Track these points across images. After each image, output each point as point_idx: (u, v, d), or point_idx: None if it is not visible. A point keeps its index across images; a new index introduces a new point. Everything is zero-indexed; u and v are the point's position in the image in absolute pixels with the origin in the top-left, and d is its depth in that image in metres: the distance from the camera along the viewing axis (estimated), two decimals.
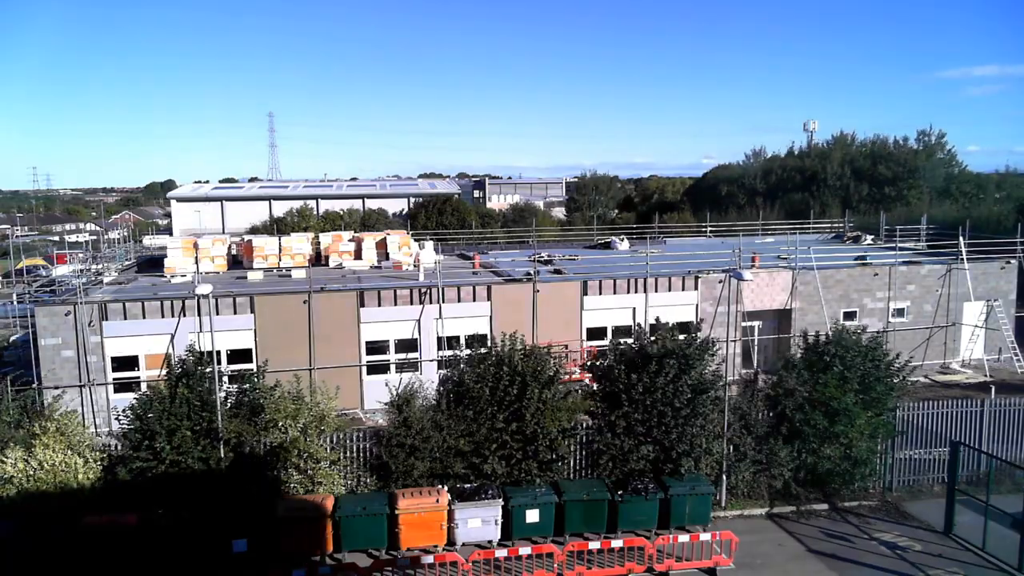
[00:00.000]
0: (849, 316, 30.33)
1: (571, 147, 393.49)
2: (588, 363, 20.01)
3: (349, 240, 35.76)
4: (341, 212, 56.36)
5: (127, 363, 25.35)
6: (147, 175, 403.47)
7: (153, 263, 36.68)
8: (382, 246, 35.29)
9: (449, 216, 52.62)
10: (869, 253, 34.51)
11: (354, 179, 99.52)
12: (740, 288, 28.59)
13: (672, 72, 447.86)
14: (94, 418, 24.18)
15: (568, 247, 43.23)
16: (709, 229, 48.76)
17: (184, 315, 25.25)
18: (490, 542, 17.13)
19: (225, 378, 20.25)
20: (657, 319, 20.10)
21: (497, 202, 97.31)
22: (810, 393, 19.25)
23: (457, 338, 26.68)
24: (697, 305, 29.20)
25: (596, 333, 28.41)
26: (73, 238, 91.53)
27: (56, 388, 23.65)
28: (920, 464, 20.45)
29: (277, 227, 50.12)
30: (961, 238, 31.60)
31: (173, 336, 25.18)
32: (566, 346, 26.48)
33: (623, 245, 41.59)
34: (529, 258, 32.30)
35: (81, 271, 36.28)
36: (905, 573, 16.36)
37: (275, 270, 33.01)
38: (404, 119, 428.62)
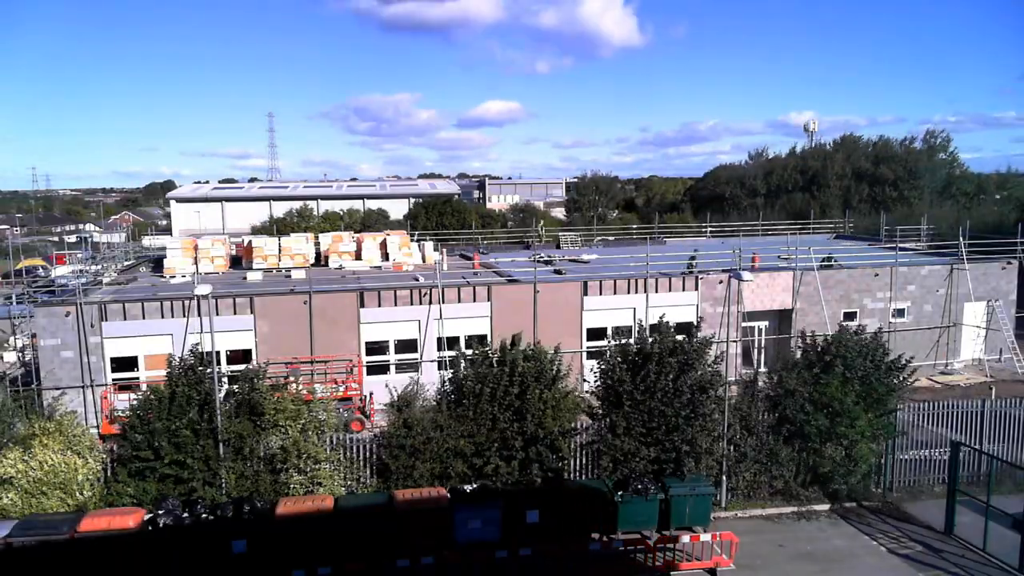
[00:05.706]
0: (850, 316, 30.31)
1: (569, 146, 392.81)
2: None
3: (350, 240, 35.76)
4: (341, 213, 56.44)
5: (127, 364, 25.33)
6: (147, 175, 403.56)
7: (153, 263, 36.67)
8: (383, 247, 35.29)
9: (449, 216, 52.61)
10: (869, 253, 34.47)
11: (354, 179, 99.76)
12: (740, 288, 28.57)
13: (677, 69, 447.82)
14: (95, 418, 24.16)
15: (568, 247, 43.22)
16: (709, 230, 48.78)
17: (184, 316, 25.23)
18: (491, 543, 17.09)
19: (225, 379, 20.22)
20: (663, 316, 19.89)
21: (497, 202, 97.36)
22: (811, 394, 19.23)
23: (457, 339, 26.66)
24: (697, 305, 29.18)
25: (596, 333, 28.39)
26: (72, 238, 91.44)
27: (56, 389, 23.64)
28: (921, 464, 20.40)
29: (277, 228, 50.17)
30: (962, 238, 31.59)
31: (182, 338, 25.04)
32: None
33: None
34: (529, 258, 32.29)
35: (80, 271, 36.27)
36: (910, 565, 16.37)
37: (275, 271, 32.99)
38: (403, 118, 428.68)
